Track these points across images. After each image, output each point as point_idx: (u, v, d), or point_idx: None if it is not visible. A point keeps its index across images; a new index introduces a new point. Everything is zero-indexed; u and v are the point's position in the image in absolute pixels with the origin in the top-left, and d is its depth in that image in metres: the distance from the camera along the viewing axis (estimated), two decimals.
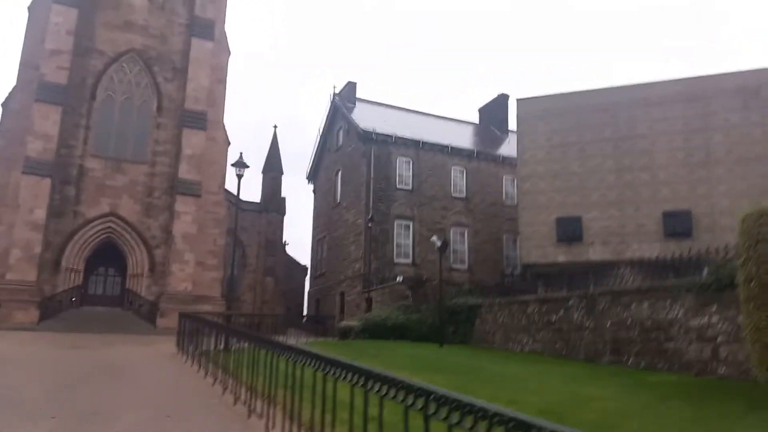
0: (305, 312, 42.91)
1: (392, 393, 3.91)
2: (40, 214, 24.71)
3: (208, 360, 11.32)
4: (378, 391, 4.09)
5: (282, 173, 39.92)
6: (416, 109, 40.34)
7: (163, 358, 14.12)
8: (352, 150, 35.46)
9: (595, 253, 24.50)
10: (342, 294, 35.24)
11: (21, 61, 26.32)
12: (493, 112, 43.15)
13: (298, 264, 43.07)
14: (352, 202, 35.05)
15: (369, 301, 31.33)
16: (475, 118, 44.04)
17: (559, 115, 27.08)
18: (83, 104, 26.94)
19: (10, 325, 21.63)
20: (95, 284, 29.75)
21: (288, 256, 40.85)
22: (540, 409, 8.11)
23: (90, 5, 27.45)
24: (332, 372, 4.94)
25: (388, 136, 33.70)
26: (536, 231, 26.70)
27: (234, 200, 33.23)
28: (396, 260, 33.16)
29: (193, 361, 12.40)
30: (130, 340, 19.82)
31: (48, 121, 25.11)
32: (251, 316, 28.77)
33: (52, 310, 23.97)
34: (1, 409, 6.86)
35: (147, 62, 28.46)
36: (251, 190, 66.99)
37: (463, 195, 35.69)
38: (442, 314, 20.98)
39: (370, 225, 29.73)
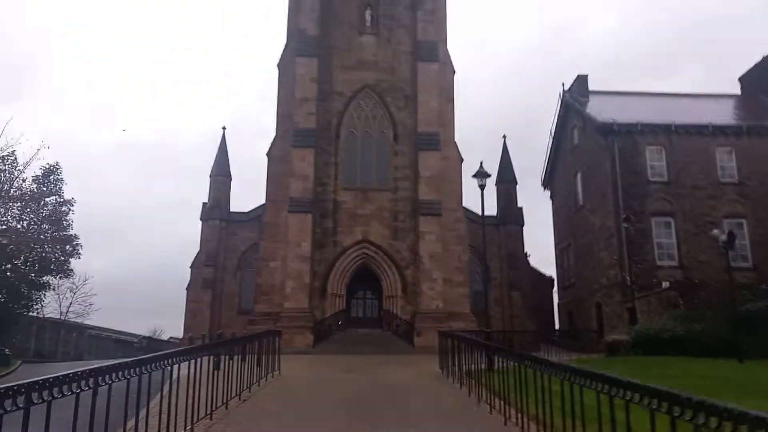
0: (556, 326, 40.60)
1: None
2: (306, 247, 27.53)
3: (475, 382, 10.71)
4: None
5: (516, 183, 38.71)
6: (659, 92, 35.70)
7: (429, 379, 14.00)
8: (591, 147, 32.70)
9: None
10: (598, 305, 32.37)
11: (278, 114, 30.08)
12: (760, 78, 36.01)
13: (543, 276, 41.05)
14: (597, 203, 32.21)
15: (631, 311, 28.09)
16: (733, 90, 37.44)
17: None
18: (330, 143, 29.56)
19: (292, 349, 24.17)
20: (356, 307, 32.03)
21: (531, 268, 39.21)
22: None
23: (326, 52, 30.28)
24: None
25: (631, 125, 30.29)
26: None
27: (474, 216, 33.08)
28: (658, 263, 29.28)
29: (460, 384, 11.95)
30: (393, 360, 20.49)
31: (304, 163, 28.07)
32: (503, 332, 27.92)
33: (324, 333, 26.30)
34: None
35: (380, 95, 30.20)
36: (486, 204, 66.60)
37: (735, 179, 30.20)
38: (735, 323, 17.46)
39: (626, 226, 26.73)
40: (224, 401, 9.09)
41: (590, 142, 32.87)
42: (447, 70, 30.85)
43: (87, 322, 43.44)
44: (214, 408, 8.30)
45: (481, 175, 15.84)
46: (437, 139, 28.95)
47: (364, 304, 32.29)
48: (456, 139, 30.63)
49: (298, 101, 28.85)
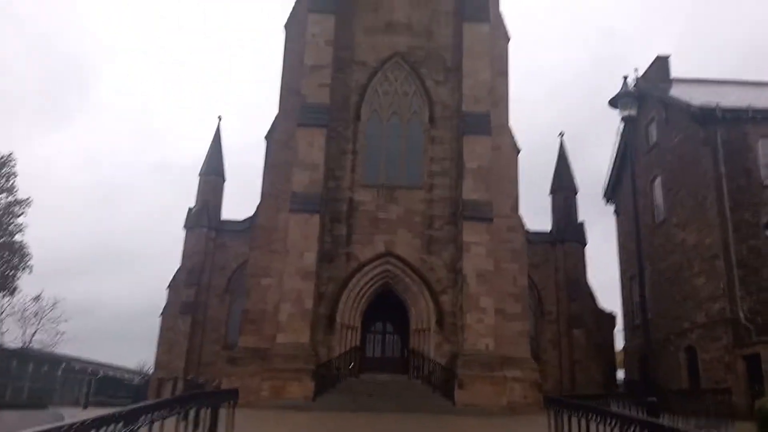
0: (618, 376, 32.80)
1: None
2: (311, 259, 20.37)
3: None
4: None
5: (576, 192, 31.40)
6: (761, 80, 28.50)
7: None
8: (681, 141, 25.53)
9: None
10: (690, 349, 24.66)
11: (281, 86, 23.37)
12: None
13: (603, 312, 33.23)
14: (689, 215, 24.84)
15: (751, 360, 20.47)
16: None
17: None
18: (348, 126, 22.79)
19: (285, 402, 16.89)
20: (372, 344, 24.59)
21: (595, 301, 31.43)
22: None
23: (347, 9, 23.67)
24: None
25: (740, 110, 23.25)
26: None
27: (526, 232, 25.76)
28: None
29: None
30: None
31: (313, 147, 21.17)
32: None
33: (329, 379, 18.82)
34: None
35: (413, 66, 23.45)
36: (536, 219, 56.14)
37: None
38: None
39: None
40: None
41: (678, 137, 25.77)
42: (499, 35, 23.90)
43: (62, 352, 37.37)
44: None
45: (625, 98, 8.77)
46: (487, 120, 21.85)
47: (384, 339, 24.88)
48: (512, 125, 23.59)
49: (308, 69, 22.08)
